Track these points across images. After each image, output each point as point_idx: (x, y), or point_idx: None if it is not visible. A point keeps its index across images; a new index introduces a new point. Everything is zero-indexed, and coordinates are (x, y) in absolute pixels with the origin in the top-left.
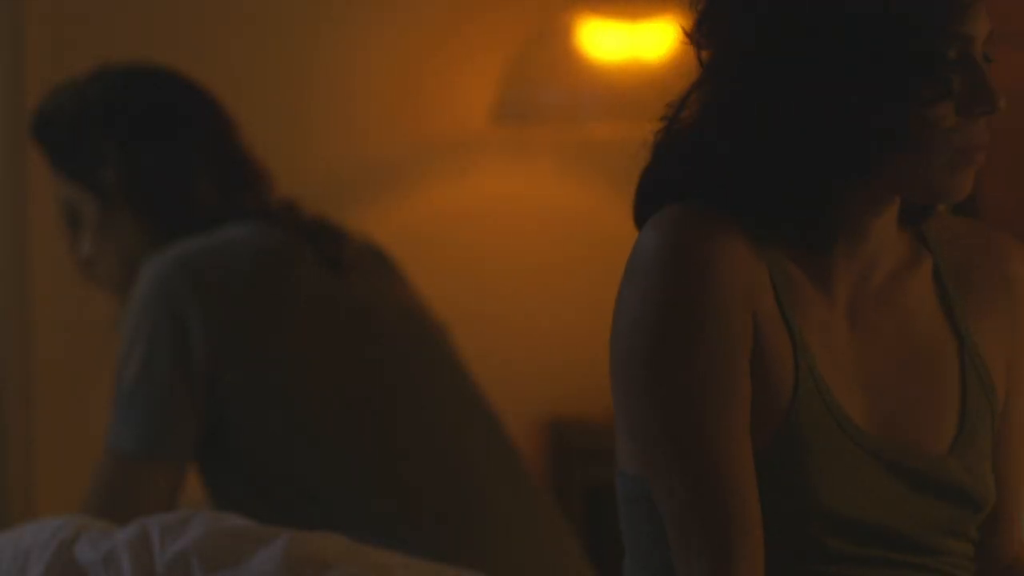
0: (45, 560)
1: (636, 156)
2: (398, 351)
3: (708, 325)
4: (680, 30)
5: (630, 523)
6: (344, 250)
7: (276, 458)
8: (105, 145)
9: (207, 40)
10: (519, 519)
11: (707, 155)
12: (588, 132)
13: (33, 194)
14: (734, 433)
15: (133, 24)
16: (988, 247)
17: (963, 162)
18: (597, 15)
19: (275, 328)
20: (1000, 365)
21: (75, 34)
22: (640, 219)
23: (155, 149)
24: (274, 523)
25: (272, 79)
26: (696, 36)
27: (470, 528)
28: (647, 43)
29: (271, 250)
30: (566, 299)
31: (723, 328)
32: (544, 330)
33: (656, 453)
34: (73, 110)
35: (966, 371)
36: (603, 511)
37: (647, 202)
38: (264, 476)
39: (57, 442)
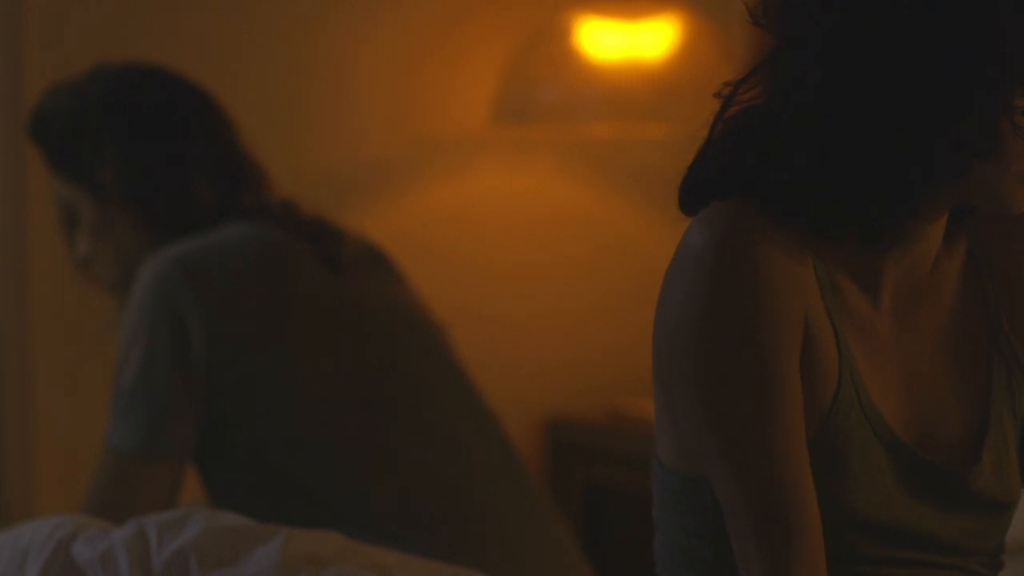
0: (43, 559)
1: (633, 154)
2: (396, 350)
3: (763, 323)
4: (748, 11)
5: (664, 511)
6: (343, 249)
7: (274, 457)
8: (103, 145)
9: (206, 40)
10: (517, 518)
11: (767, 149)
12: (587, 131)
13: (33, 194)
14: (789, 430)
15: (133, 24)
16: None
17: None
18: (596, 14)
19: (273, 327)
20: None
21: (75, 34)
22: (688, 205)
23: (153, 149)
24: (272, 521)
25: (272, 79)
26: (765, 17)
27: (468, 527)
28: (646, 42)
29: (270, 249)
30: (565, 299)
31: (777, 326)
32: (543, 329)
33: (710, 449)
34: (71, 110)
35: (994, 359)
36: (601, 510)
37: (699, 189)
38: (262, 474)
39: (57, 442)
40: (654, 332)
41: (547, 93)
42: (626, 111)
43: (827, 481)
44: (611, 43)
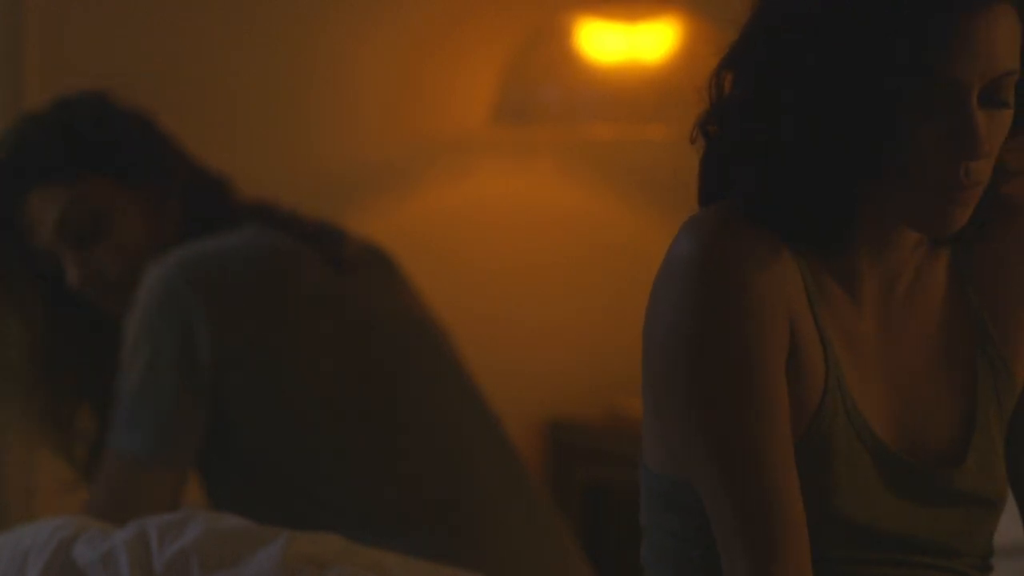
0: (44, 560)
1: (633, 156)
2: (399, 353)
3: (747, 329)
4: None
5: (651, 515)
6: (346, 252)
7: (276, 458)
8: (143, 136)
9: (207, 40)
10: (518, 519)
11: (728, 153)
12: (587, 132)
13: None
14: (774, 435)
15: (132, 24)
16: (1013, 221)
17: (941, 199)
18: (596, 16)
19: (277, 330)
20: None
21: (75, 34)
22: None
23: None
24: (273, 523)
25: (272, 79)
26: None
27: (469, 528)
28: (646, 44)
29: (273, 253)
30: (565, 300)
31: (762, 333)
32: (543, 330)
33: (697, 457)
34: (99, 111)
35: (979, 362)
36: (601, 511)
37: (707, 191)
38: (264, 476)
39: None
40: (643, 338)
41: (547, 94)
42: (626, 112)
43: (813, 484)
44: (611, 44)
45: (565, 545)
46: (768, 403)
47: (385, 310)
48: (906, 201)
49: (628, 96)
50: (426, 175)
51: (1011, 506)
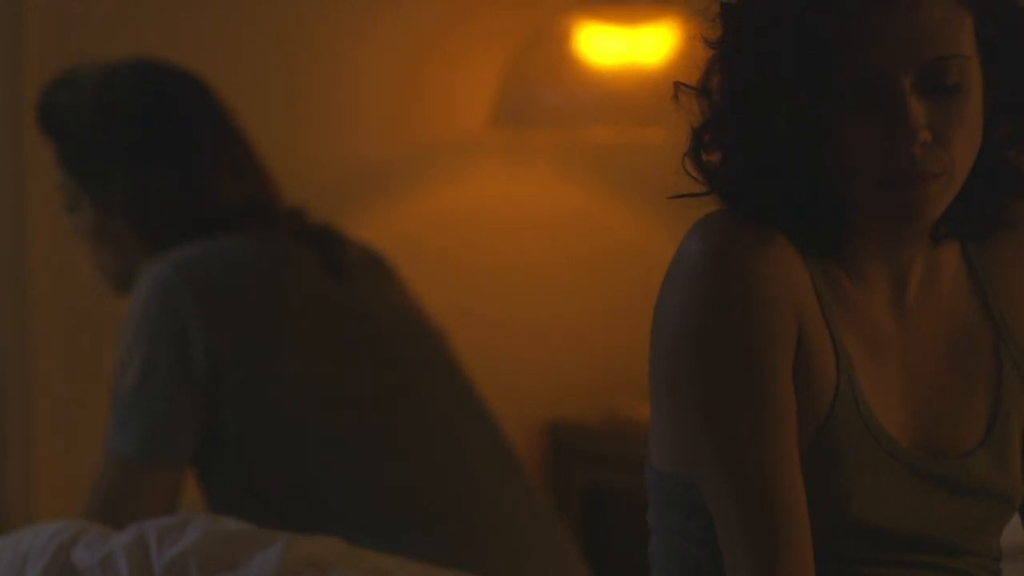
0: (43, 563)
1: (632, 158)
2: (397, 355)
3: (753, 331)
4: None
5: (659, 515)
6: (343, 255)
7: (274, 461)
8: (114, 159)
9: (207, 40)
10: (517, 521)
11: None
12: (586, 135)
13: (33, 192)
14: (779, 437)
15: (133, 24)
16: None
17: (896, 192)
18: (596, 19)
19: (274, 333)
20: None
21: (75, 34)
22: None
23: (164, 165)
24: (272, 526)
25: (272, 79)
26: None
27: (468, 530)
28: (645, 47)
29: (271, 255)
30: (564, 302)
31: (768, 334)
32: (542, 333)
33: (702, 457)
34: (81, 107)
35: (1002, 358)
36: (600, 513)
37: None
38: (262, 479)
39: (57, 443)
40: (651, 338)
41: (547, 97)
42: (625, 115)
43: (824, 485)
44: (610, 48)
45: (564, 547)
46: (773, 403)
47: (381, 313)
48: (866, 197)
49: (627, 99)
50: (425, 177)
51: None
